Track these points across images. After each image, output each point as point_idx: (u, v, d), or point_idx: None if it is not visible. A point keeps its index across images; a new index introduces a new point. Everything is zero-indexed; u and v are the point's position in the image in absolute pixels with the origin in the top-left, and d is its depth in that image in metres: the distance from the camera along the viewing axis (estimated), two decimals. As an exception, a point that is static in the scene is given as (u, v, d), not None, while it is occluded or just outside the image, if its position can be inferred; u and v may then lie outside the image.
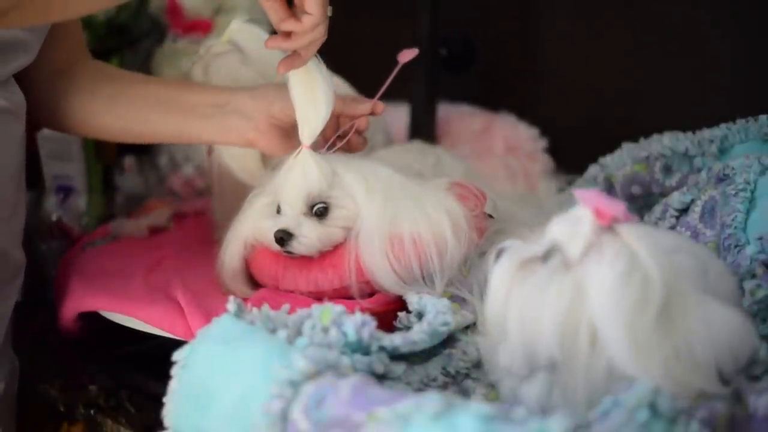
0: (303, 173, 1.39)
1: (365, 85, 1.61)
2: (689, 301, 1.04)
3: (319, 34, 1.31)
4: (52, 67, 1.50)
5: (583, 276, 1.02)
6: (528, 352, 1.05)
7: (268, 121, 1.44)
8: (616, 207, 1.03)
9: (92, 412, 1.51)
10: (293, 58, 1.36)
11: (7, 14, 1.20)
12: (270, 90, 1.46)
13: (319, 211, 1.40)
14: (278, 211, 1.43)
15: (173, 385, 1.13)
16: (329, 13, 1.30)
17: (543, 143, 2.12)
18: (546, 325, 1.03)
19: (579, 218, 1.04)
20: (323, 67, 1.40)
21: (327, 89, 1.39)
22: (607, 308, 0.99)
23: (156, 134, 1.53)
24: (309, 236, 1.39)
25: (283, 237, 1.39)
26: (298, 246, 1.40)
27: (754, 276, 1.28)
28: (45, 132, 1.92)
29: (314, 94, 1.39)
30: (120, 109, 1.51)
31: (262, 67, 1.61)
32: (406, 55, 1.43)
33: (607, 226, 1.02)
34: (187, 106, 1.48)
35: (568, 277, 1.03)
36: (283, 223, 1.40)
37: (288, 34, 1.32)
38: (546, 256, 1.06)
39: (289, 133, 1.46)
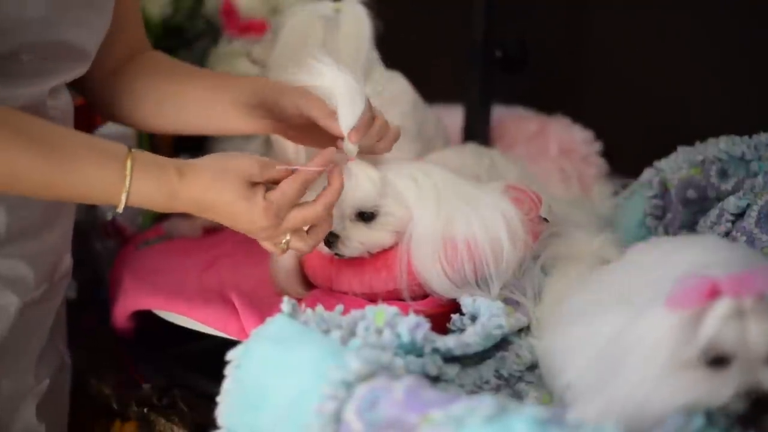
0: (352, 184, 1.39)
1: (423, 86, 1.61)
2: None
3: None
4: (105, 69, 1.50)
5: None
6: None
7: (292, 114, 1.43)
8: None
9: (145, 410, 1.52)
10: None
11: None
12: (282, 92, 1.45)
13: (366, 216, 1.41)
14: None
15: (227, 385, 1.13)
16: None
17: (597, 146, 2.10)
18: None
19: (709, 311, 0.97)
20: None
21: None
22: None
23: (204, 131, 1.60)
24: (351, 239, 1.40)
25: (329, 239, 1.40)
26: (342, 248, 1.41)
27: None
28: (101, 131, 1.93)
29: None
30: (167, 113, 1.54)
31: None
32: None
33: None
34: (226, 105, 1.49)
35: None
36: None
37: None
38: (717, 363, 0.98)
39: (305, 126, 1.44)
